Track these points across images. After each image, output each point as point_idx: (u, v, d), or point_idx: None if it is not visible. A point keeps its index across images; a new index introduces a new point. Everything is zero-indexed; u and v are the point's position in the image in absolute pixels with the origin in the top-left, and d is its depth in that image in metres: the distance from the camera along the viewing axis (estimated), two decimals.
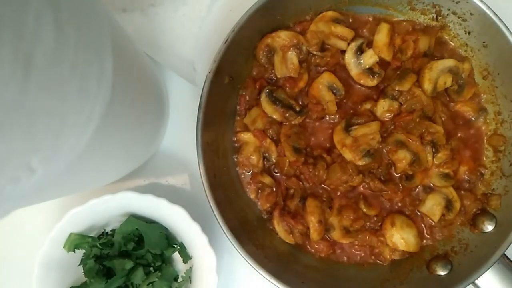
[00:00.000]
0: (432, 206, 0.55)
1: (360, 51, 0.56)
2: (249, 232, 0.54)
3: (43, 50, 0.22)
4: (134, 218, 0.56)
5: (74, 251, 0.54)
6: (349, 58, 0.56)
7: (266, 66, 0.56)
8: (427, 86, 0.55)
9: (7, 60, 0.20)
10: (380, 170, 0.56)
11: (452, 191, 0.56)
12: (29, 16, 0.21)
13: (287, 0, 0.54)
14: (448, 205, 0.55)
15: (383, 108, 0.55)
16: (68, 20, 0.25)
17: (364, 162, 0.55)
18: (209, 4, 0.55)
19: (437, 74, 0.55)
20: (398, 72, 0.56)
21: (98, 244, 0.55)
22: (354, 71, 0.57)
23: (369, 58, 0.56)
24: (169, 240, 0.56)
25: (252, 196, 0.57)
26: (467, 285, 0.50)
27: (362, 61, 0.56)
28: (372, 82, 0.56)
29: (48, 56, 0.23)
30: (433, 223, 0.56)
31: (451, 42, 0.58)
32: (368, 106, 0.56)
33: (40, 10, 0.22)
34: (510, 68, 0.53)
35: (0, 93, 0.20)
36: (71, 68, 0.26)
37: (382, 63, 0.57)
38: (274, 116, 0.56)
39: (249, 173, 0.57)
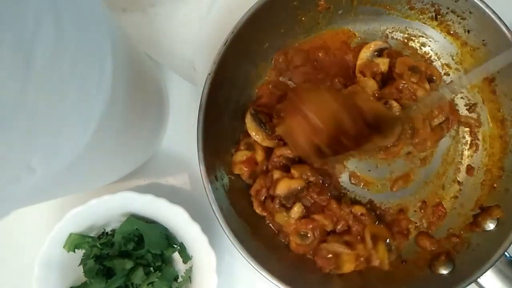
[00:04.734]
0: None
1: (379, 53, 0.57)
2: (250, 233, 0.54)
3: (43, 50, 0.22)
4: (134, 218, 0.56)
5: (74, 251, 0.54)
6: (365, 53, 0.57)
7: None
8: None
9: (7, 60, 0.20)
10: None
11: None
12: (29, 16, 0.21)
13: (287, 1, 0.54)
14: None
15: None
16: (68, 20, 0.25)
17: None
18: (209, 4, 0.55)
19: None
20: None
21: (98, 244, 0.55)
22: (360, 61, 0.57)
23: (382, 64, 0.56)
24: (169, 240, 0.56)
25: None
26: (470, 284, 0.50)
27: (374, 60, 0.57)
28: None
29: (48, 56, 0.23)
30: None
31: None
32: None
33: (40, 10, 0.22)
34: (510, 66, 0.53)
35: (0, 93, 0.20)
36: (71, 68, 0.26)
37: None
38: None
39: None
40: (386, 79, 0.57)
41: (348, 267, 0.53)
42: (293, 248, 0.55)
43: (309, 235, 0.53)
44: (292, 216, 0.53)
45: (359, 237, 0.54)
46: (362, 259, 0.53)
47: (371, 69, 0.56)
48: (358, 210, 0.54)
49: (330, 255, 0.53)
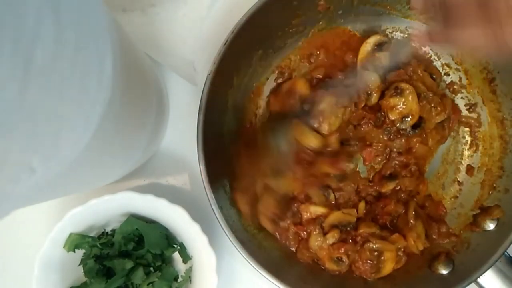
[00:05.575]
0: None
1: (379, 48, 0.57)
2: (251, 232, 0.54)
3: (43, 50, 0.22)
4: (134, 218, 0.56)
5: (74, 251, 0.54)
6: (366, 47, 0.57)
7: None
8: None
9: (7, 60, 0.20)
10: None
11: None
12: (29, 16, 0.21)
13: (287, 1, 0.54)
14: None
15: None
16: (68, 20, 0.25)
17: None
18: (209, 4, 0.55)
19: None
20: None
21: (98, 244, 0.55)
22: (361, 55, 0.57)
23: (383, 57, 0.56)
24: (169, 240, 0.56)
25: None
26: (470, 284, 0.50)
27: (377, 54, 0.56)
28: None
29: (48, 56, 0.23)
30: None
31: None
32: None
33: (40, 10, 0.22)
34: (510, 66, 0.53)
35: (0, 93, 0.20)
36: (71, 68, 0.26)
37: None
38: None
39: None
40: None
41: (389, 267, 0.53)
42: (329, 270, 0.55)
43: (344, 259, 0.53)
44: (327, 241, 0.53)
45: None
46: (401, 252, 0.54)
47: (372, 63, 0.56)
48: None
49: (370, 261, 0.53)
